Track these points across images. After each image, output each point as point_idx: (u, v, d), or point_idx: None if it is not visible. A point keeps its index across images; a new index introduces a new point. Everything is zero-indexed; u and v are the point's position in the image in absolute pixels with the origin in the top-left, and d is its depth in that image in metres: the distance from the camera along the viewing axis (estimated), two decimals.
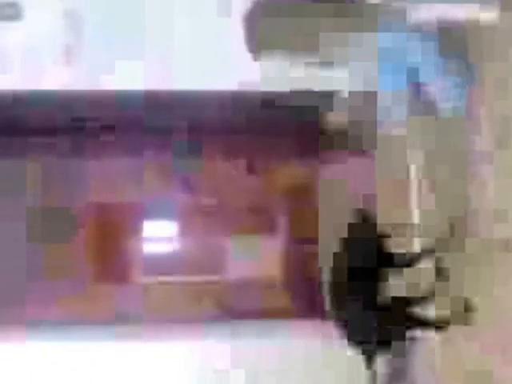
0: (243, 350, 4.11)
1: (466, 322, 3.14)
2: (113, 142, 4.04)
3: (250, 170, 6.25)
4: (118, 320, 4.67)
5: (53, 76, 3.61)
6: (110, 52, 3.69)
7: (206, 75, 3.69)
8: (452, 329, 3.24)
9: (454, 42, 3.03)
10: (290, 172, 6.07)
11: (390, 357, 3.69)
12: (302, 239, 6.12)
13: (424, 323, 3.31)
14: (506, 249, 2.83)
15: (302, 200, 6.11)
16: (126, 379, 4.13)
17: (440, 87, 2.95)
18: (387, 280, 3.33)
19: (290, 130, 4.37)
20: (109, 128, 4.01)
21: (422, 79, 2.94)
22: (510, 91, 2.79)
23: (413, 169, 3.67)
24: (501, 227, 2.90)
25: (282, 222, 6.48)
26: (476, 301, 3.08)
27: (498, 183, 2.92)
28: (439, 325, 3.28)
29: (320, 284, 4.31)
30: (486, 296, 3.01)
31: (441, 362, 3.10)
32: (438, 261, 3.42)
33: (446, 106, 3.02)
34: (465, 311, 3.15)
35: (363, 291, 3.27)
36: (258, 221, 6.43)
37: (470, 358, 3.01)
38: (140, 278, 6.39)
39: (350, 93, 3.78)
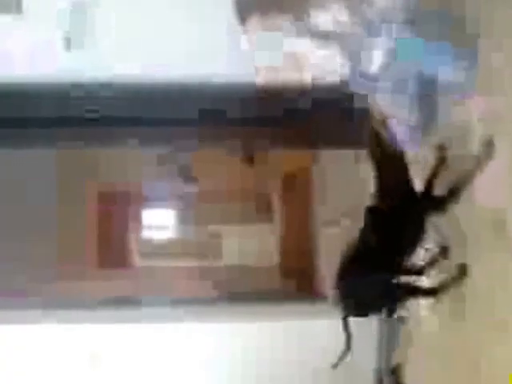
0: (240, 332, 4.19)
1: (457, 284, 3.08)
2: (114, 133, 4.13)
3: (247, 159, 6.34)
4: (118, 303, 4.75)
5: (53, 66, 3.66)
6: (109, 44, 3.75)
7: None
8: (441, 307, 3.28)
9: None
10: (286, 161, 6.14)
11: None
12: (297, 225, 6.20)
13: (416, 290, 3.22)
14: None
15: (297, 187, 6.20)
16: (128, 360, 4.22)
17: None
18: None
19: (285, 119, 4.45)
20: (108, 119, 4.10)
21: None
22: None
23: None
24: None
25: (278, 208, 6.58)
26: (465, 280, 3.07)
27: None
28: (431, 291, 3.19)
29: None
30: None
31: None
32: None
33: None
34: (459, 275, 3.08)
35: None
36: (255, 207, 6.52)
37: (458, 335, 3.05)
38: (138, 262, 6.50)
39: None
